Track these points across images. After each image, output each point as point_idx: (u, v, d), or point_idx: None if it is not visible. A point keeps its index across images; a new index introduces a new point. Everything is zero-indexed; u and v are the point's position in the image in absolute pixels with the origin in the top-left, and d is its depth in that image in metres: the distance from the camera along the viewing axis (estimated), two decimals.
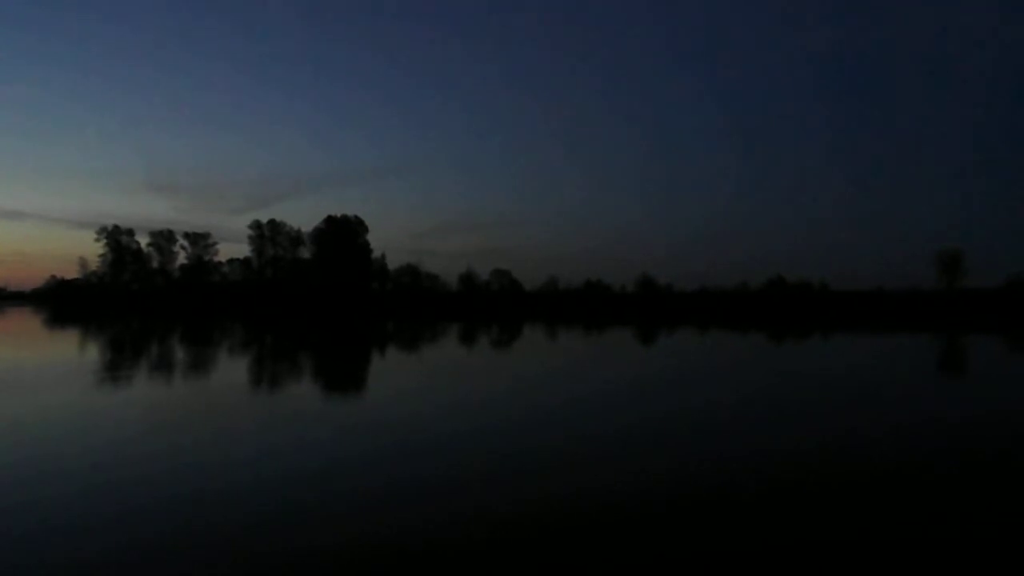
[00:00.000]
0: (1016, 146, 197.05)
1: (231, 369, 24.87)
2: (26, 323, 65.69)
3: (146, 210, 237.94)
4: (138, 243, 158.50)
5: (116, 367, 24.97)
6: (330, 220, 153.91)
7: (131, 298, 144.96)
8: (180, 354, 31.56)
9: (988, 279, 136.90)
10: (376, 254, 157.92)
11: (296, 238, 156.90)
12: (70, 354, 31.41)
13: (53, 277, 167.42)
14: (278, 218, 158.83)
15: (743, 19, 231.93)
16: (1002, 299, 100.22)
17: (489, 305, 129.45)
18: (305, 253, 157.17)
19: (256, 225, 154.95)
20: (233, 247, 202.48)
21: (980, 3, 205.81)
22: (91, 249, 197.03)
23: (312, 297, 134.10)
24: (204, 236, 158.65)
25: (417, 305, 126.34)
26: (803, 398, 18.29)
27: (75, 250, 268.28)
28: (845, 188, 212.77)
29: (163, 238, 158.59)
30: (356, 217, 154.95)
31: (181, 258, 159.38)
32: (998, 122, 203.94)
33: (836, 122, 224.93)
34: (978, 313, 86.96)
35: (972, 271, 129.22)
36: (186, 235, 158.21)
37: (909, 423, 14.38)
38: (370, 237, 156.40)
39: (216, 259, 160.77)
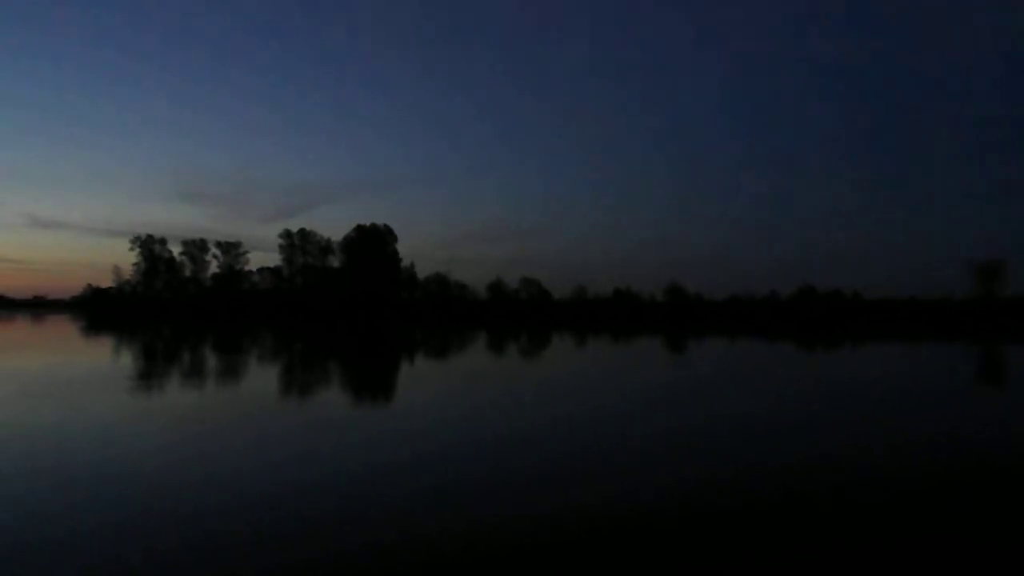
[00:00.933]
0: None
1: (260, 377, 25.05)
2: (63, 330, 66.87)
3: (178, 218, 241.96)
4: (171, 252, 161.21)
5: (147, 374, 25.26)
6: (359, 229, 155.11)
7: (163, 306, 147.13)
8: (210, 361, 31.88)
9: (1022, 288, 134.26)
10: (405, 263, 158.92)
11: (326, 247, 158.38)
12: (103, 361, 31.86)
13: (89, 286, 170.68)
14: (308, 227, 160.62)
15: (771, 31, 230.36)
16: None
17: (517, 314, 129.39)
18: (334, 262, 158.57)
19: (286, 234, 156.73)
20: (264, 256, 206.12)
21: (1013, 15, 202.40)
22: (125, 258, 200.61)
23: (341, 306, 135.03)
24: (235, 245, 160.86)
25: (445, 313, 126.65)
26: (836, 407, 17.99)
27: (111, 258, 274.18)
28: (875, 196, 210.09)
29: (195, 247, 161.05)
30: (385, 226, 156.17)
31: (213, 267, 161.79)
32: None
33: (868, 131, 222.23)
34: (1017, 322, 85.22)
35: (1012, 280, 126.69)
36: (218, 244, 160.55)
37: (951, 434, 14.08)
38: (399, 246, 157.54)
39: (247, 268, 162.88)
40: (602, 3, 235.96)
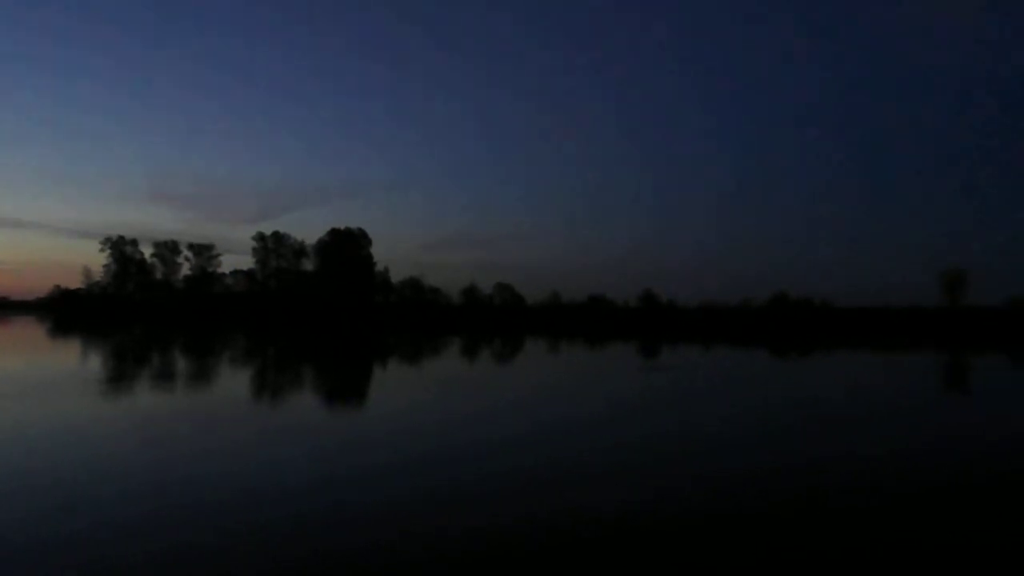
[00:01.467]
0: (1021, 169, 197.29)
1: (231, 380, 24.91)
2: (29, 332, 65.83)
3: (151, 221, 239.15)
4: (142, 253, 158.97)
5: (115, 377, 25.02)
6: (334, 232, 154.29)
7: (134, 308, 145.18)
8: (181, 364, 31.62)
9: (991, 298, 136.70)
10: (380, 267, 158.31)
11: (300, 250, 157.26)
12: (70, 363, 31.48)
13: (57, 287, 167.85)
14: (282, 230, 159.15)
15: (748, 40, 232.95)
16: (1005, 318, 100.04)
17: (491, 319, 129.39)
18: (308, 265, 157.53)
19: (260, 237, 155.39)
20: (237, 259, 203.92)
21: (992, 27, 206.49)
22: (95, 259, 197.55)
23: (315, 309, 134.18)
24: (208, 247, 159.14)
25: (419, 318, 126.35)
26: (803, 417, 18.27)
27: (79, 260, 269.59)
28: (849, 206, 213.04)
29: (167, 249, 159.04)
30: (360, 230, 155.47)
31: (185, 269, 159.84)
32: (1005, 143, 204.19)
33: (840, 141, 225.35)
34: (981, 332, 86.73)
35: (975, 290, 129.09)
36: (190, 246, 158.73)
37: (913, 443, 14.38)
38: (374, 250, 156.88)
39: (220, 270, 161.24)
40: (581, 7, 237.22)
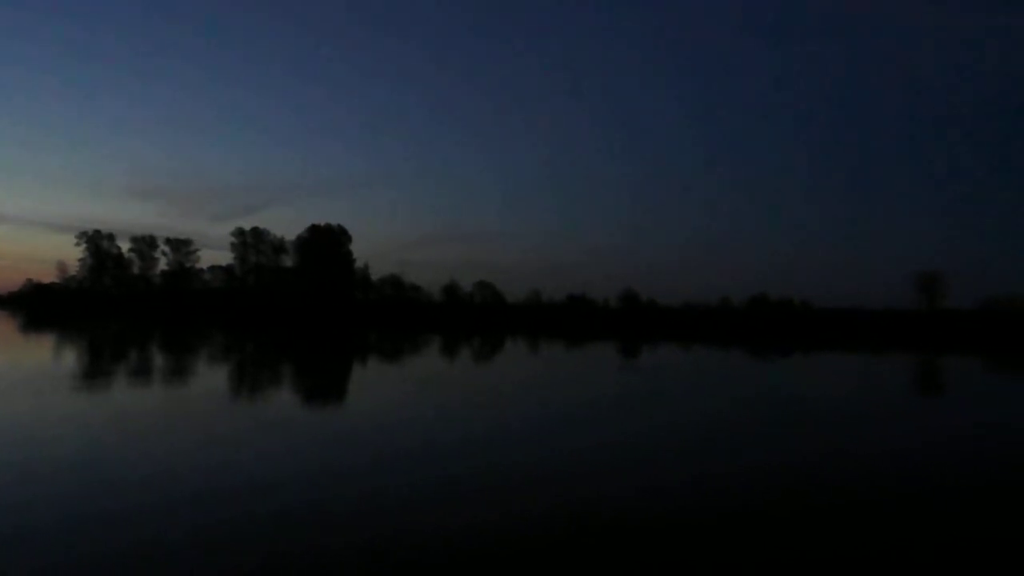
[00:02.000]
0: (995, 172, 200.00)
1: (208, 377, 24.60)
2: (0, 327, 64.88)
3: (128, 215, 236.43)
4: (119, 248, 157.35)
5: (90, 373, 24.63)
6: (313, 229, 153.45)
7: (110, 303, 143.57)
8: (157, 360, 31.21)
9: (966, 300, 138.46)
10: (359, 264, 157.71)
11: (279, 246, 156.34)
12: (43, 359, 30.99)
13: (29, 281, 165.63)
14: (261, 226, 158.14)
15: (726, 38, 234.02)
16: (979, 321, 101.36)
17: (472, 317, 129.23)
18: (288, 261, 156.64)
19: (239, 232, 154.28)
20: (215, 254, 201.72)
21: (962, 33, 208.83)
22: (70, 253, 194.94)
23: (294, 306, 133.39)
24: (186, 243, 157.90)
25: (399, 316, 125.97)
26: (779, 418, 18.31)
27: (53, 254, 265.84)
28: (829, 208, 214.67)
29: (145, 243, 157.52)
30: (339, 226, 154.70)
31: (162, 264, 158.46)
32: (979, 148, 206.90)
33: (819, 143, 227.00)
34: (956, 334, 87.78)
35: (951, 293, 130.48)
36: (168, 241, 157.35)
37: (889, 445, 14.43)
38: (354, 247, 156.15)
39: (198, 266, 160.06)
40: (561, 5, 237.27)
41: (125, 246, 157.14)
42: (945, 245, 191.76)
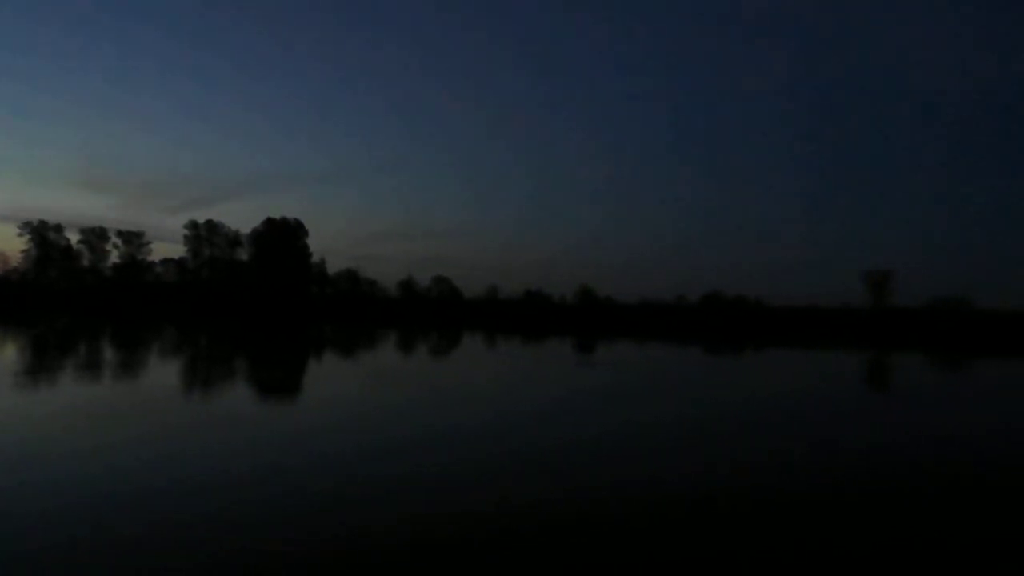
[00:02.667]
0: (943, 173, 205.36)
1: (159, 371, 24.21)
2: None
3: (77, 207, 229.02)
4: (67, 240, 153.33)
5: (31, 369, 24.06)
6: (269, 222, 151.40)
7: (58, 297, 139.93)
8: (107, 355, 30.59)
9: (913, 299, 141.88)
10: (315, 258, 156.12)
11: (234, 239, 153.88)
12: None
13: None
14: (216, 219, 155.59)
15: (693, 42, 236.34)
16: (925, 319, 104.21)
17: (429, 312, 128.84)
18: (243, 255, 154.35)
19: (192, 225, 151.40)
20: (168, 247, 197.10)
21: (918, 37, 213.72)
22: (13, 244, 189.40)
23: (249, 300, 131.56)
24: (138, 235, 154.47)
25: (356, 310, 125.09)
26: (727, 416, 18.66)
27: None
28: (784, 208, 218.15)
29: (95, 235, 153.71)
30: (296, 220, 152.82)
31: (114, 257, 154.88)
32: (929, 151, 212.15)
33: (773, 144, 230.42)
34: (904, 331, 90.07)
35: (900, 291, 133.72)
36: (119, 233, 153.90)
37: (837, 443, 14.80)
38: (310, 241, 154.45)
39: (150, 259, 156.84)
40: (522, 1, 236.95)
41: (74, 238, 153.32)
42: (896, 245, 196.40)
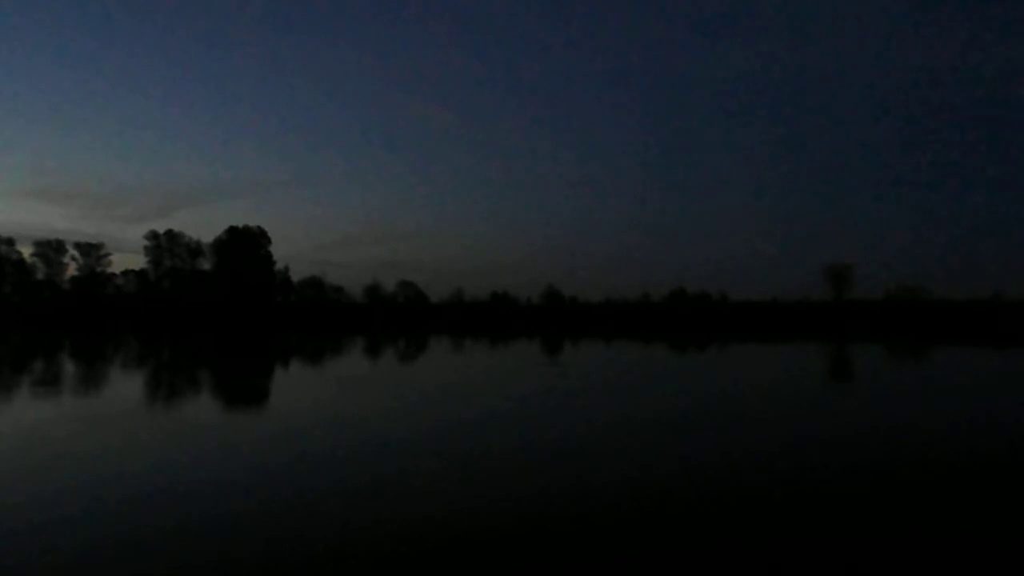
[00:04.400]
0: (901, 166, 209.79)
1: (120, 385, 23.85)
2: None
3: (31, 218, 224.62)
4: (20, 253, 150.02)
5: None
6: (232, 231, 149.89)
7: (12, 311, 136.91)
8: (65, 369, 30.03)
9: (873, 292, 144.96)
10: (279, 266, 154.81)
11: (195, 249, 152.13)
12: None
13: None
14: (176, 228, 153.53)
15: (650, 41, 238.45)
16: (883, 311, 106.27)
17: (395, 317, 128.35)
18: (205, 264, 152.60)
19: (153, 235, 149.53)
20: (128, 258, 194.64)
21: (877, 29, 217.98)
22: None
23: (213, 310, 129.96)
24: (97, 247, 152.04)
25: (321, 317, 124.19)
26: (695, 410, 18.92)
27: None
28: (746, 204, 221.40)
29: (50, 248, 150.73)
30: (259, 228, 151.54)
31: (72, 270, 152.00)
32: (887, 146, 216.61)
33: (734, 143, 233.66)
34: (863, 324, 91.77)
35: (859, 284, 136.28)
36: (77, 245, 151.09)
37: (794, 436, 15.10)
38: (273, 249, 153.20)
39: (110, 270, 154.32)
40: (485, 2, 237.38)
41: (28, 251, 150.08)
42: (855, 239, 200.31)
